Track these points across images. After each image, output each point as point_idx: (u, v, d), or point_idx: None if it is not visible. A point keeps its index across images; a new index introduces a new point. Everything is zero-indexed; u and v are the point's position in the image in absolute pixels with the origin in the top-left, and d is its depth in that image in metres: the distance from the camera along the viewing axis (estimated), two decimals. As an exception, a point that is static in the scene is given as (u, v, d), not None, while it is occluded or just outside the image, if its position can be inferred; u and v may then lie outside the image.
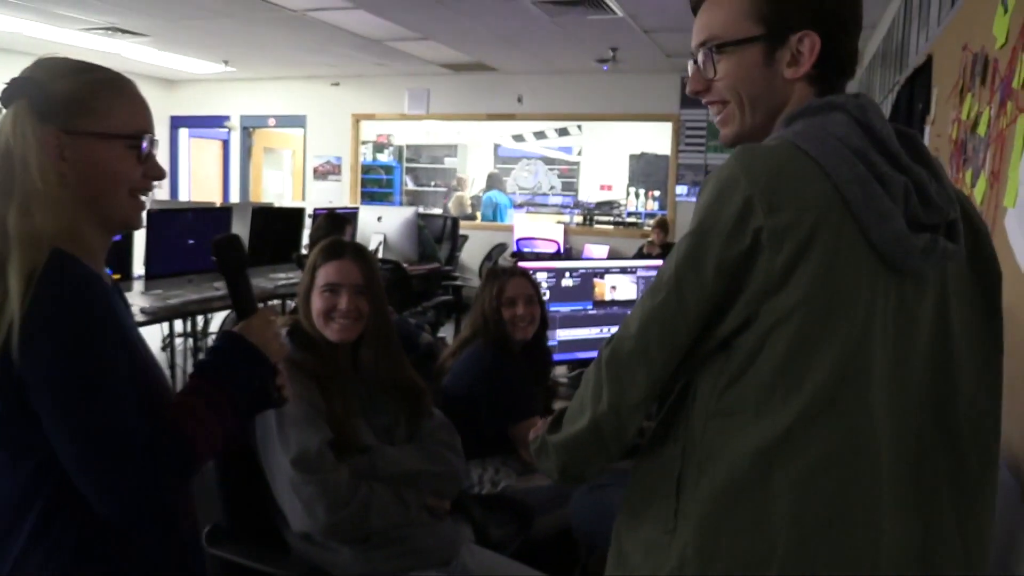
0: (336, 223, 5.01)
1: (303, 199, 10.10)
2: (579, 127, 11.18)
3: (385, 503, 1.75)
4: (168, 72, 9.47)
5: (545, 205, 11.54)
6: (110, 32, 7.24)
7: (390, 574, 1.73)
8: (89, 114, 1.16)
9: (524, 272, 2.69)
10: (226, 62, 8.82)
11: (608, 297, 3.08)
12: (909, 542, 1.02)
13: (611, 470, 1.18)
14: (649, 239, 7.61)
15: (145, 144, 1.21)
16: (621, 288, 3.09)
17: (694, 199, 6.97)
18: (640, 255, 7.47)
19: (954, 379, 1.06)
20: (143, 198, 1.25)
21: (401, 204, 11.12)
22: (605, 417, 1.05)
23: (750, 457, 0.98)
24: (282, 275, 5.38)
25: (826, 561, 0.97)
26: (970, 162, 2.17)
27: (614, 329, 3.22)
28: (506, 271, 2.68)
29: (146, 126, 1.23)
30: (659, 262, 3.30)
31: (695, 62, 1.13)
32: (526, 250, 8.94)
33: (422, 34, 6.97)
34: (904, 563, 1.01)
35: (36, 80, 1.15)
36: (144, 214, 1.28)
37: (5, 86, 1.15)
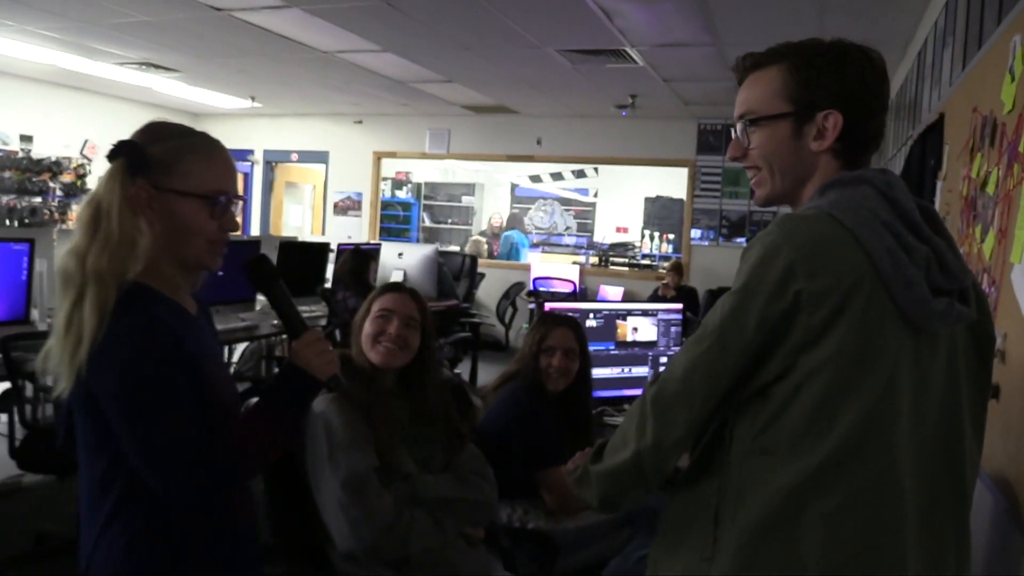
0: (361, 258, 5.16)
1: (323, 233, 10.28)
2: (595, 169, 11.36)
3: (424, 528, 1.85)
4: (195, 106, 9.73)
5: (560, 245, 11.70)
6: (144, 67, 7.48)
7: (428, 596, 1.83)
8: (173, 174, 1.36)
9: (574, 324, 2.71)
10: (253, 98, 9.06)
11: (630, 338, 3.19)
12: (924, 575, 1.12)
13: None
14: (664, 281, 7.71)
15: (221, 202, 1.39)
16: (642, 330, 3.20)
17: (706, 244, 7.09)
18: (655, 297, 7.56)
19: (962, 427, 1.18)
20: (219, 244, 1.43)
21: (418, 241, 11.29)
22: (648, 451, 1.15)
23: (783, 494, 1.08)
24: (305, 308, 5.51)
25: None
26: (979, 218, 2.28)
27: (636, 369, 3.32)
28: (555, 319, 2.71)
29: (223, 187, 1.40)
30: (679, 306, 3.41)
31: (734, 131, 1.27)
32: (542, 289, 9.04)
33: (447, 77, 7.17)
34: None
35: (137, 143, 1.36)
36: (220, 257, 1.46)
37: (113, 146, 1.36)
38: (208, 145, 1.41)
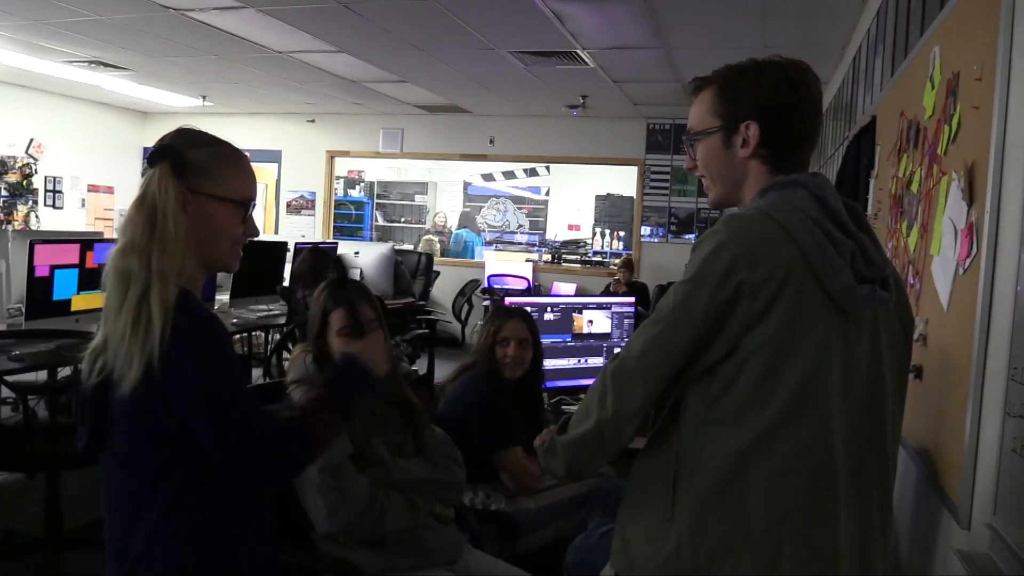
0: (320, 257, 5.21)
1: (275, 232, 10.26)
2: (547, 168, 11.53)
3: (399, 508, 1.97)
4: (145, 105, 9.63)
5: (512, 243, 11.85)
6: (93, 65, 7.40)
7: (404, 571, 1.95)
8: (210, 180, 1.43)
9: (525, 316, 2.89)
10: (204, 97, 9.01)
11: (586, 330, 3.34)
12: (854, 534, 1.29)
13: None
14: (615, 278, 7.89)
15: (250, 208, 1.48)
16: (597, 323, 3.36)
17: (656, 240, 7.31)
18: (607, 293, 7.75)
19: (883, 399, 1.35)
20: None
21: (371, 239, 11.33)
22: (608, 421, 1.30)
23: (731, 458, 1.24)
24: (263, 307, 5.55)
25: (791, 541, 1.23)
26: (906, 214, 2.47)
27: (592, 359, 3.49)
28: (508, 312, 2.88)
29: (251, 194, 1.49)
30: (631, 299, 3.57)
31: (685, 146, 1.47)
32: (496, 287, 9.17)
33: (401, 77, 7.25)
34: (851, 552, 1.27)
35: (176, 148, 1.42)
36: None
37: (152, 150, 1.42)
38: (238, 154, 1.49)
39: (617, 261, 8.60)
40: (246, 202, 1.47)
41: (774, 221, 1.26)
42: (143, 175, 1.43)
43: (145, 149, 10.44)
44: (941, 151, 2.03)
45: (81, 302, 3.75)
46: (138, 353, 1.30)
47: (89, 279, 3.76)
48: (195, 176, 1.42)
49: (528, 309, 3.10)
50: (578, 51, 5.87)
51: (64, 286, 3.69)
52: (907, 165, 2.49)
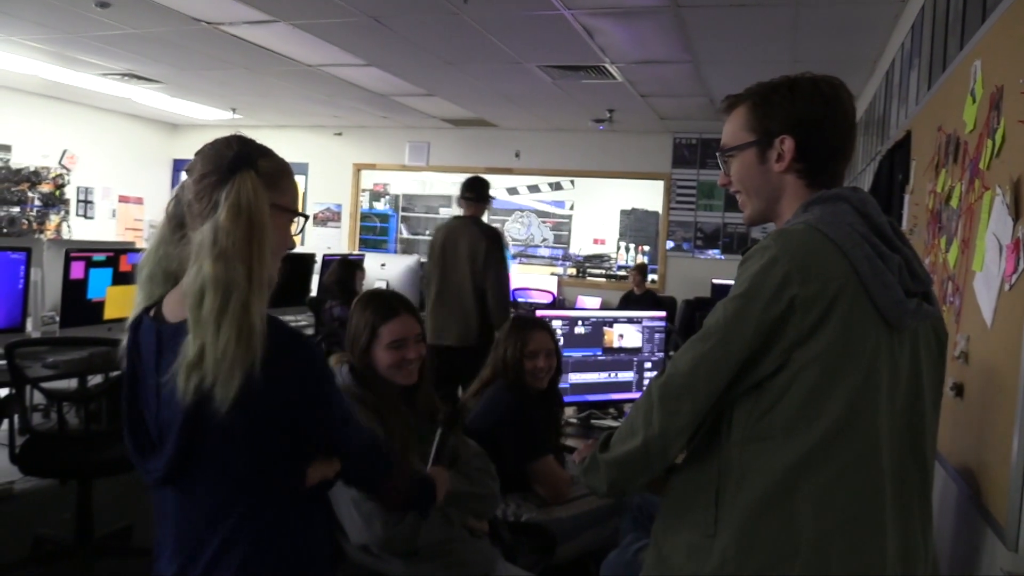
0: (349, 268, 5.26)
1: (302, 244, 10.32)
2: (572, 182, 11.51)
3: (433, 520, 1.96)
4: (176, 117, 9.76)
5: (536, 256, 11.83)
6: (126, 78, 7.51)
7: (437, 584, 1.94)
8: (276, 190, 1.39)
9: (547, 326, 2.92)
10: (234, 110, 9.12)
11: (616, 344, 3.32)
12: (898, 544, 1.28)
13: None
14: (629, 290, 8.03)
15: (302, 221, 1.46)
16: (628, 337, 3.34)
17: (682, 255, 7.35)
18: (627, 297, 7.89)
19: (923, 411, 1.34)
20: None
21: (395, 252, 11.36)
22: (655, 439, 1.29)
23: (780, 473, 1.23)
24: (290, 318, 5.57)
25: (840, 555, 1.22)
26: (944, 230, 2.43)
27: (622, 374, 3.48)
28: (531, 323, 2.90)
29: (298, 206, 1.46)
30: (662, 313, 3.55)
31: (720, 162, 1.47)
32: (520, 300, 9.17)
33: (428, 91, 7.29)
34: (896, 562, 1.27)
35: (251, 156, 1.36)
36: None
37: (233, 158, 1.34)
38: (289, 165, 1.46)
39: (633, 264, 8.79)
40: (301, 214, 1.45)
41: (824, 235, 1.25)
42: (199, 184, 1.34)
43: (175, 161, 10.58)
44: (983, 165, 2.00)
45: (114, 299, 3.80)
46: (240, 366, 1.24)
47: (123, 279, 3.83)
48: (268, 185, 1.36)
49: (559, 323, 3.11)
50: (606, 65, 5.87)
51: (98, 284, 3.76)
52: (946, 180, 2.46)
